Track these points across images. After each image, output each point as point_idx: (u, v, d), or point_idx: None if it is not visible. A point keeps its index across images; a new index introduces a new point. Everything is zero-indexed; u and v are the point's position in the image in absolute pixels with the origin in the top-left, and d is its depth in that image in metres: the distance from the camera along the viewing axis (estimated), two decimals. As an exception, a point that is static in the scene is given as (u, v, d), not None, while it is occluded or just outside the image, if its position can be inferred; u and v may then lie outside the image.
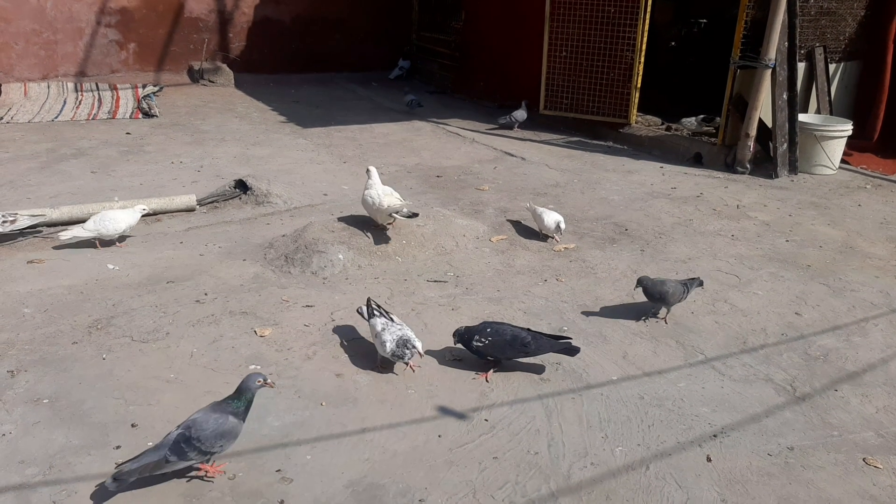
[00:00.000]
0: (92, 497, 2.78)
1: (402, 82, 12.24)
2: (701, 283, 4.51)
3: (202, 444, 2.80)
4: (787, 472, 3.09)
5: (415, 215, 5.09)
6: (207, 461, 2.89)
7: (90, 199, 5.89)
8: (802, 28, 7.68)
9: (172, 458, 2.77)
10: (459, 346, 3.79)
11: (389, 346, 3.56)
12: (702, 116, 8.66)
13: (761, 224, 6.10)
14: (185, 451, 2.78)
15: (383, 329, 3.63)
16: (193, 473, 2.91)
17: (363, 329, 3.99)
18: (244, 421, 2.94)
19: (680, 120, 8.66)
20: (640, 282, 4.28)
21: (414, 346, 3.55)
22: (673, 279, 4.48)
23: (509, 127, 9.02)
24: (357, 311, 3.98)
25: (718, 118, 8.48)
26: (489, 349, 3.68)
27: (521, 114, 8.96)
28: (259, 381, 2.96)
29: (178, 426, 2.88)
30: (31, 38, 10.25)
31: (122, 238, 5.10)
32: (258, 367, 3.67)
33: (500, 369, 3.74)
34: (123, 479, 2.73)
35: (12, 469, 2.89)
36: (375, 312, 3.79)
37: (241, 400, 2.93)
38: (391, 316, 3.80)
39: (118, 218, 5.00)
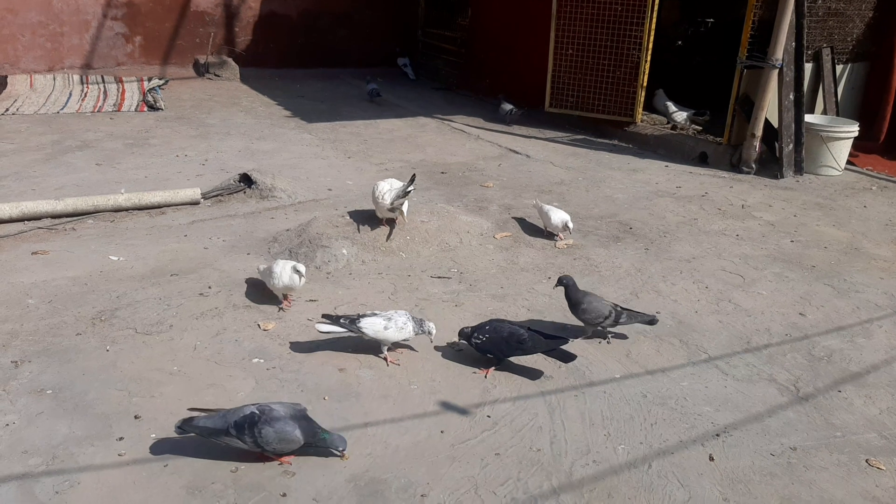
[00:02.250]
0: (94, 488, 2.78)
1: (407, 79, 12.23)
2: (652, 322, 4.06)
3: (261, 437, 2.85)
4: (789, 473, 3.08)
5: (406, 192, 4.96)
6: (261, 452, 2.92)
7: (95, 191, 5.90)
8: (810, 29, 7.65)
9: (232, 432, 2.86)
10: (464, 342, 3.80)
11: (413, 326, 3.70)
12: (692, 111, 8.70)
13: (766, 224, 6.08)
14: (245, 433, 2.85)
15: (390, 318, 3.68)
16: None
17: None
18: (311, 445, 2.95)
19: (671, 115, 8.79)
20: (562, 281, 4.02)
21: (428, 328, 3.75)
22: (605, 300, 4.08)
23: (503, 121, 9.18)
24: (320, 332, 3.71)
25: (708, 113, 8.57)
26: (487, 345, 3.68)
27: (507, 105, 9.17)
28: (340, 450, 2.98)
29: (256, 404, 2.94)
30: (38, 30, 10.26)
31: (285, 295, 4.26)
32: (262, 360, 3.68)
33: (502, 368, 3.74)
34: (186, 431, 2.90)
35: (16, 459, 2.90)
36: (355, 317, 3.72)
37: (325, 437, 2.97)
38: (372, 312, 3.79)
39: (277, 273, 4.15)
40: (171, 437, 3.03)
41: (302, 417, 2.95)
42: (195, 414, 2.97)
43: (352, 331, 3.67)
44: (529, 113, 9.06)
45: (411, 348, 3.87)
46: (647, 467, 3.07)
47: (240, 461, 2.95)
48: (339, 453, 2.99)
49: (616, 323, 3.98)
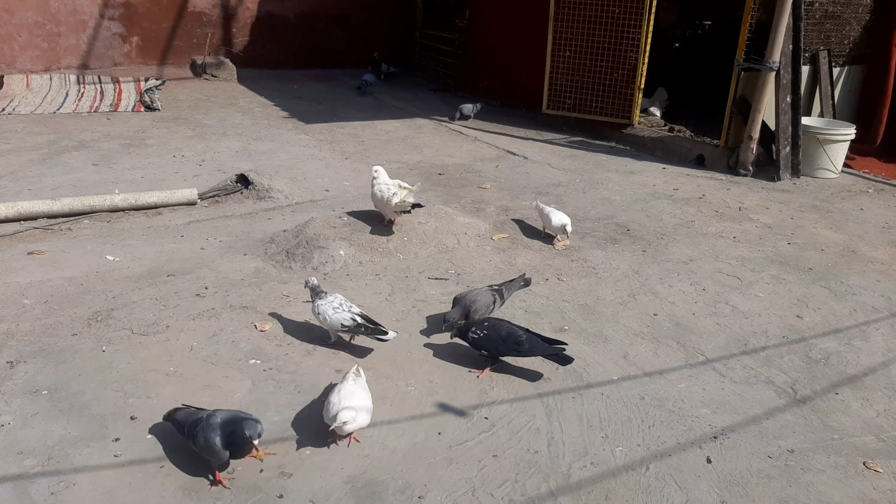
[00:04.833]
0: (90, 489, 2.77)
1: (404, 80, 12.23)
2: (527, 283, 4.40)
3: (195, 442, 2.83)
4: (786, 475, 3.08)
5: (419, 205, 5.14)
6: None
7: (91, 191, 5.88)
8: (807, 31, 7.66)
9: (185, 432, 2.88)
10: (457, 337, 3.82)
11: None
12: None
13: (763, 226, 6.09)
14: (188, 436, 2.86)
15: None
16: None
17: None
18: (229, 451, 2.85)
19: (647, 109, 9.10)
20: (448, 327, 3.91)
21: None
22: (481, 289, 4.14)
23: (464, 118, 9.49)
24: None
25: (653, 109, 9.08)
26: (483, 342, 3.67)
27: (468, 108, 9.48)
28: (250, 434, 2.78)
29: (214, 411, 2.91)
30: (35, 29, 10.24)
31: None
32: (258, 361, 3.67)
33: (499, 369, 3.73)
34: (168, 420, 3.02)
35: (11, 460, 2.88)
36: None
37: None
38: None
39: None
40: (167, 439, 3.02)
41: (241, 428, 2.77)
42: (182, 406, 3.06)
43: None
44: (527, 114, 9.06)
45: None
46: (645, 469, 3.06)
47: (236, 463, 2.93)
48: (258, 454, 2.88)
49: (503, 301, 4.17)
